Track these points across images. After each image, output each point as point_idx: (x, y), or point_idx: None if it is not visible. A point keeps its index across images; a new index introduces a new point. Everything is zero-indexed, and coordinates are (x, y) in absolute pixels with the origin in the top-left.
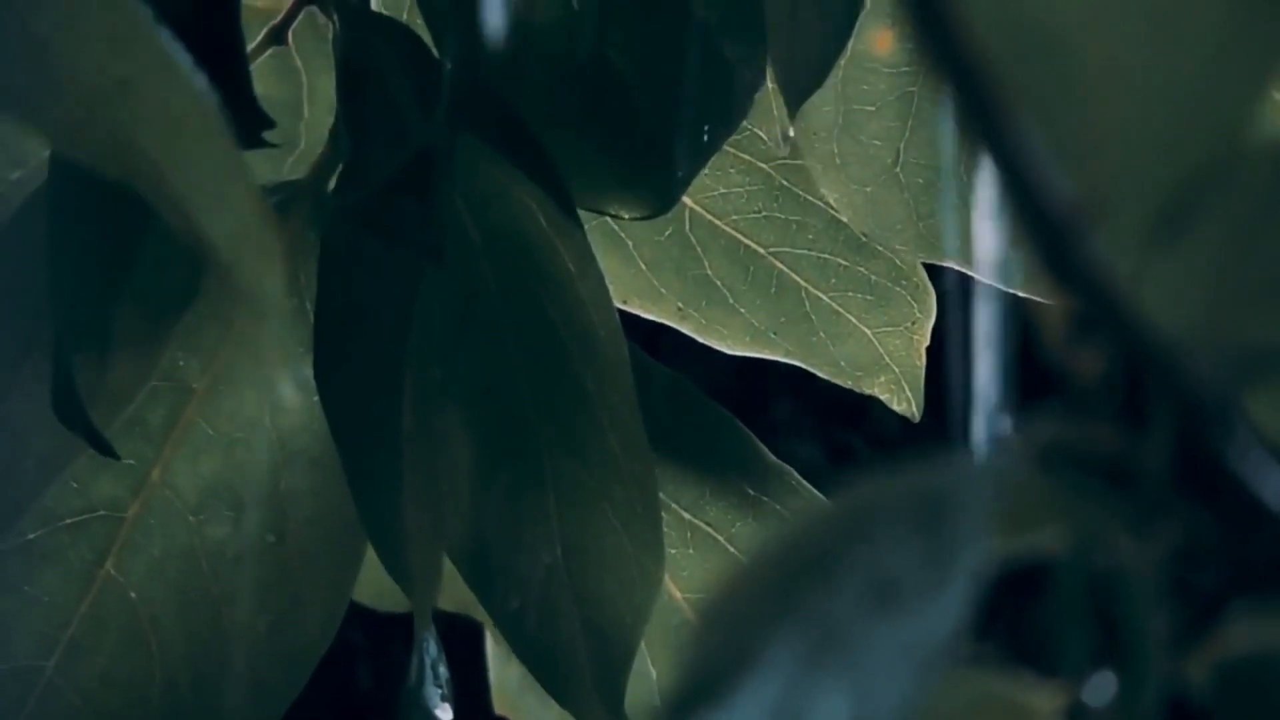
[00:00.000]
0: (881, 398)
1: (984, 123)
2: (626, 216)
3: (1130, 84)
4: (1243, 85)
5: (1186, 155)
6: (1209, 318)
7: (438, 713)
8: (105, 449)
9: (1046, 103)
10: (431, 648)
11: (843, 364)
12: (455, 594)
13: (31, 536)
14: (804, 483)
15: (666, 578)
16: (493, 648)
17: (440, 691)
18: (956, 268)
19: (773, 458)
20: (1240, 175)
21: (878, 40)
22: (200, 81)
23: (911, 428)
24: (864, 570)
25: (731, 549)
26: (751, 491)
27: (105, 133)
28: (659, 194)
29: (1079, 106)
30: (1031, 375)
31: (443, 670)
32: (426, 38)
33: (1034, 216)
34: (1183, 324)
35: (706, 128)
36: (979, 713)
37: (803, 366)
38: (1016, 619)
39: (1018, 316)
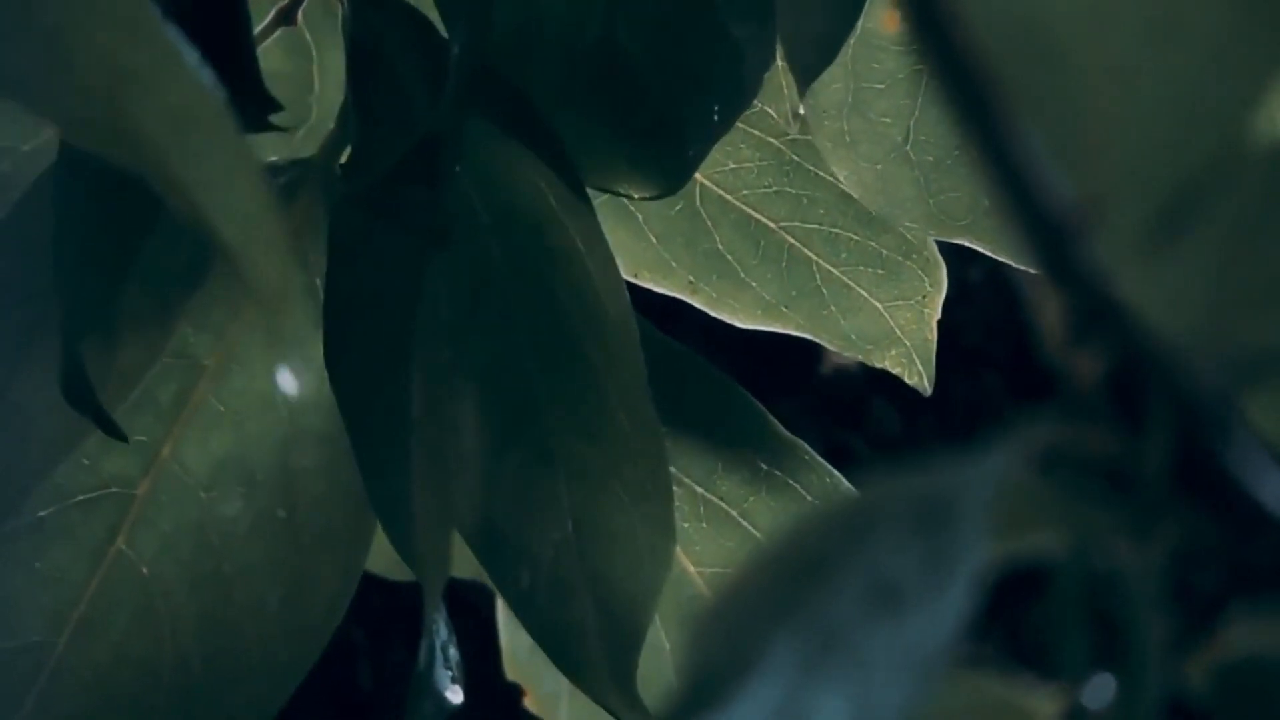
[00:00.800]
0: (894, 371)
1: (983, 123)
2: (637, 196)
3: (1130, 84)
4: (1243, 85)
5: (1186, 156)
6: (1209, 319)
7: (448, 695)
8: (114, 432)
9: (1047, 103)
10: (442, 630)
11: (854, 337)
12: (468, 561)
13: (43, 514)
14: (816, 457)
15: (679, 551)
16: (504, 614)
17: (451, 674)
18: (967, 244)
19: (785, 432)
20: (1240, 175)
21: (887, 19)
22: (207, 75)
23: (911, 428)
24: (864, 572)
25: (744, 523)
26: (764, 466)
27: (114, 123)
28: (669, 174)
29: (1079, 107)
30: (1031, 376)
31: (453, 653)
32: (435, 19)
33: (1033, 217)
34: (1182, 325)
35: (716, 108)
36: (978, 715)
37: (813, 339)
38: (1016, 621)
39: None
